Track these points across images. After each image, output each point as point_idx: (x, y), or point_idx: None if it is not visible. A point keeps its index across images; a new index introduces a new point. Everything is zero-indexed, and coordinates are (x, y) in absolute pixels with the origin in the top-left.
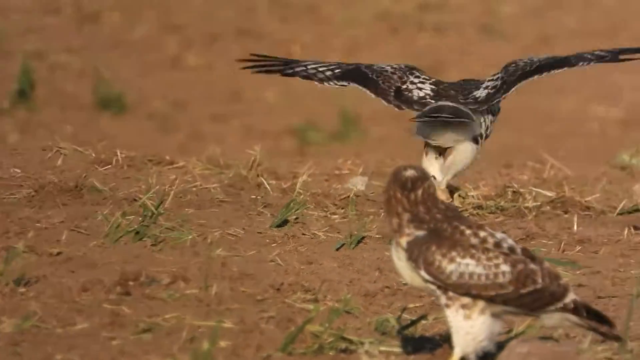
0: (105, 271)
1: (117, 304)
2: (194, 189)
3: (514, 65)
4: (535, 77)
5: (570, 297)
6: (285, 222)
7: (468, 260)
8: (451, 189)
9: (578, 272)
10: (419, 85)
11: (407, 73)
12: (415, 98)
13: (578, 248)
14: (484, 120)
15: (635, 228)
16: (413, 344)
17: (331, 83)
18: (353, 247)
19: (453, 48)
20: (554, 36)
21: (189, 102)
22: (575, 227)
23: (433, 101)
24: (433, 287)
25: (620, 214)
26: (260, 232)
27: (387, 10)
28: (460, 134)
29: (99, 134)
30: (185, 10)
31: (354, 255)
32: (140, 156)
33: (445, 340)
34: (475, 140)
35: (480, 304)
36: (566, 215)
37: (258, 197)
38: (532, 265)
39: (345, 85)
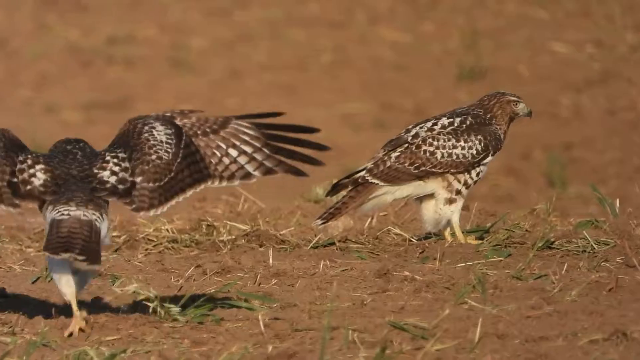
0: None
1: None
2: None
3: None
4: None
5: None
6: None
7: None
8: None
9: (274, 305)
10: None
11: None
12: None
13: (274, 281)
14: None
15: (331, 261)
16: None
17: None
18: (49, 281)
19: (142, 82)
20: (243, 70)
21: None
22: (270, 260)
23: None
24: None
25: (315, 247)
26: None
27: (76, 44)
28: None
29: None
30: None
31: (50, 288)
32: None
33: None
34: None
35: None
36: (261, 249)
37: None
38: None
39: None
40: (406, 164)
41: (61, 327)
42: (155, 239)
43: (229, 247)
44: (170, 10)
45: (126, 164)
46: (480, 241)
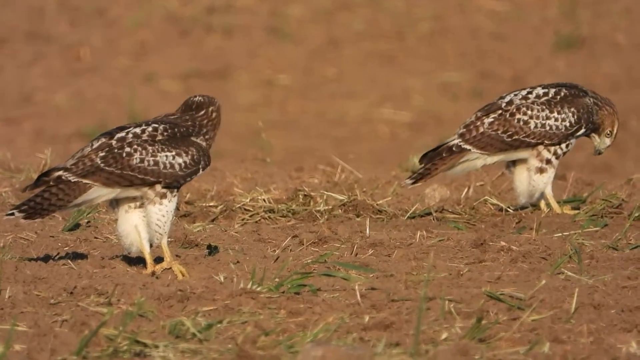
0: None
1: None
2: None
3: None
4: None
5: None
6: (77, 226)
7: None
8: None
9: (371, 275)
10: None
11: None
12: None
13: (371, 251)
14: None
15: (427, 231)
16: (207, 346)
17: None
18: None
19: (241, 50)
20: (342, 39)
21: None
22: (367, 231)
23: None
24: None
25: (411, 217)
26: (53, 236)
27: (175, 13)
28: None
29: None
30: None
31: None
32: None
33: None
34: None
35: None
36: (358, 219)
37: None
38: None
39: None
40: (499, 132)
41: (158, 297)
42: (251, 209)
43: (325, 217)
44: None
45: None
46: (576, 211)
